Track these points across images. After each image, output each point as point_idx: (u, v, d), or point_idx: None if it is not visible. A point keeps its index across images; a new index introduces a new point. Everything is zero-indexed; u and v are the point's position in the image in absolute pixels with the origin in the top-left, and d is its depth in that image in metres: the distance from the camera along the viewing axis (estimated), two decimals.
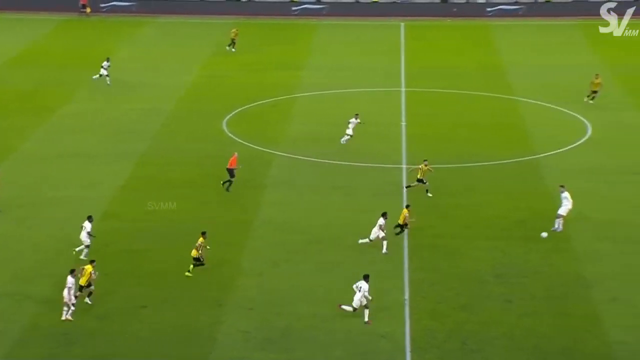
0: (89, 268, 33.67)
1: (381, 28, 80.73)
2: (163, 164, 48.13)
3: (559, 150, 49.61)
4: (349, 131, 50.06)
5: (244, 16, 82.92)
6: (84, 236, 37.32)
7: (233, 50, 70.37)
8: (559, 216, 39.12)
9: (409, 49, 73.09)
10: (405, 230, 38.53)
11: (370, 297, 32.67)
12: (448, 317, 32.88)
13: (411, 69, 66.50)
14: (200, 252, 35.84)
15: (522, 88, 61.22)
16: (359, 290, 32.58)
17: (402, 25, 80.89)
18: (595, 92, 56.72)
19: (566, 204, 39.13)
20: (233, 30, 71.49)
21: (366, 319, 32.44)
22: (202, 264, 35.93)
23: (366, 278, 32.87)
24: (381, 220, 37.54)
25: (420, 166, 43.63)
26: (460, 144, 50.74)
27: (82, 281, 33.45)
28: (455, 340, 31.45)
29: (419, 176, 43.43)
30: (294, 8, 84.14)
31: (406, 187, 43.33)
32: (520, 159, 48.25)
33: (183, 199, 43.41)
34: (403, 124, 54.42)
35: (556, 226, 39.11)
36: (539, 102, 58.28)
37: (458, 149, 49.82)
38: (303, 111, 57.60)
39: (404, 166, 47.55)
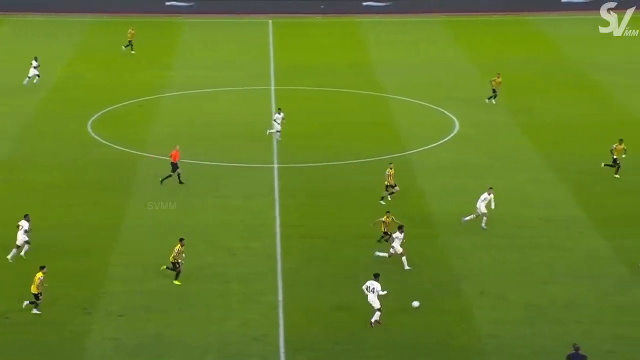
0: (38, 275, 32.52)
1: (249, 26, 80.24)
2: (25, 169, 46.42)
3: (428, 147, 50.19)
4: (277, 126, 49.48)
5: (108, 14, 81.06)
6: (21, 235, 36.09)
7: (132, 52, 68.50)
8: (484, 214, 39.45)
9: (278, 46, 72.87)
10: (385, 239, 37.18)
11: (383, 293, 32.02)
12: (322, 317, 32.66)
13: (281, 67, 66.28)
14: (177, 258, 34.69)
15: (391, 85, 61.76)
16: (372, 292, 31.88)
17: (270, 22, 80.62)
18: (495, 91, 56.91)
19: (483, 205, 39.34)
20: (130, 30, 69.52)
21: (377, 319, 31.75)
22: (178, 270, 34.78)
23: (377, 277, 32.25)
24: (399, 235, 36.03)
25: (387, 172, 42.35)
26: (332, 142, 50.69)
27: (33, 289, 32.40)
28: (329, 340, 31.25)
29: (387, 182, 42.28)
30: (167, 3, 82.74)
31: (382, 198, 42.24)
32: (392, 156, 48.54)
33: (46, 203, 41.92)
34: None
35: (483, 224, 39.49)
36: (408, 99, 58.91)
37: (330, 147, 49.78)
38: (171, 111, 56.59)
39: (276, 165, 47.19)
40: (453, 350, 30.78)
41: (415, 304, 32.36)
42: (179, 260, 34.83)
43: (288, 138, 51.22)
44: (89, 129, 52.62)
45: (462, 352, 30.68)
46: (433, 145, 50.51)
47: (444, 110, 56.38)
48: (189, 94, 60.15)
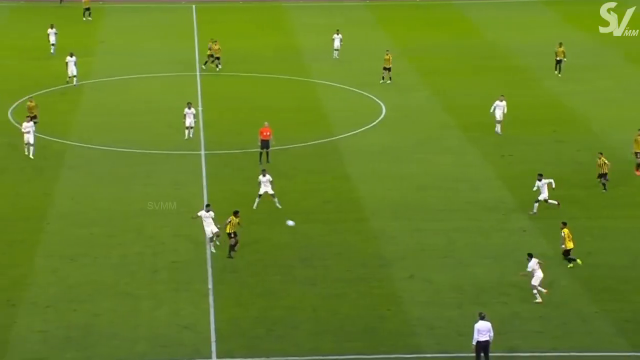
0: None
1: (173, 11, 79.47)
2: None
3: (355, 132, 50.42)
4: (189, 122, 47.84)
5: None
6: None
7: None
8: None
9: (203, 32, 72.26)
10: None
11: None
12: (252, 304, 32.65)
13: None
14: (233, 229, 35.38)
15: (317, 70, 61.82)
16: None
17: (194, 7, 79.94)
18: (387, 69, 57.78)
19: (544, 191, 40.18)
20: None
21: None
22: (231, 244, 35.47)
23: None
24: None
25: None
26: (259, 127, 50.46)
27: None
28: (260, 327, 31.27)
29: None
30: None
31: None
32: (320, 141, 48.69)
33: None
34: (199, 109, 53.72)
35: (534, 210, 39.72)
36: (335, 84, 59.04)
37: (257, 133, 49.58)
38: (94, 98, 55.78)
39: (203, 152, 46.91)
40: (384, 332, 31.05)
41: (290, 223, 33.58)
42: (234, 231, 35.39)
43: (214, 124, 50.98)
44: (10, 117, 51.60)
45: (391, 335, 30.98)
46: (360, 129, 50.76)
47: (371, 96, 56.66)
48: (112, 80, 59.34)
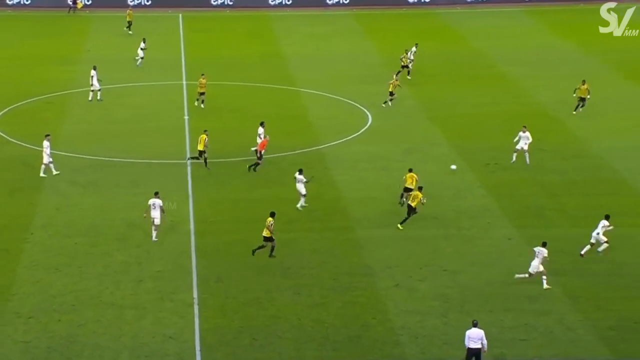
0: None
1: (159, 19, 79.40)
2: None
3: (341, 140, 50.39)
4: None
5: (10, 8, 79.40)
6: None
7: None
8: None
9: (189, 40, 72.26)
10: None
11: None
12: (237, 313, 32.55)
13: (192, 62, 65.72)
14: (271, 231, 35.68)
15: (303, 78, 61.82)
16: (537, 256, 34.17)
17: (180, 16, 79.90)
18: (392, 93, 56.67)
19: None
20: None
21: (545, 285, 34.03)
22: (273, 245, 36.13)
23: (544, 244, 34.46)
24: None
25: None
26: (246, 136, 50.32)
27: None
28: (245, 336, 31.17)
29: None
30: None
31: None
32: (305, 150, 48.63)
33: None
34: (186, 117, 53.63)
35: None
36: (321, 93, 59.03)
37: (244, 141, 49.43)
38: (80, 107, 55.59)
39: (189, 161, 46.78)
40: (369, 341, 30.98)
41: (453, 167, 38.13)
42: (270, 235, 35.90)
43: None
44: None
45: (376, 344, 30.91)
46: (346, 138, 50.73)
47: (356, 104, 56.66)
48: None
